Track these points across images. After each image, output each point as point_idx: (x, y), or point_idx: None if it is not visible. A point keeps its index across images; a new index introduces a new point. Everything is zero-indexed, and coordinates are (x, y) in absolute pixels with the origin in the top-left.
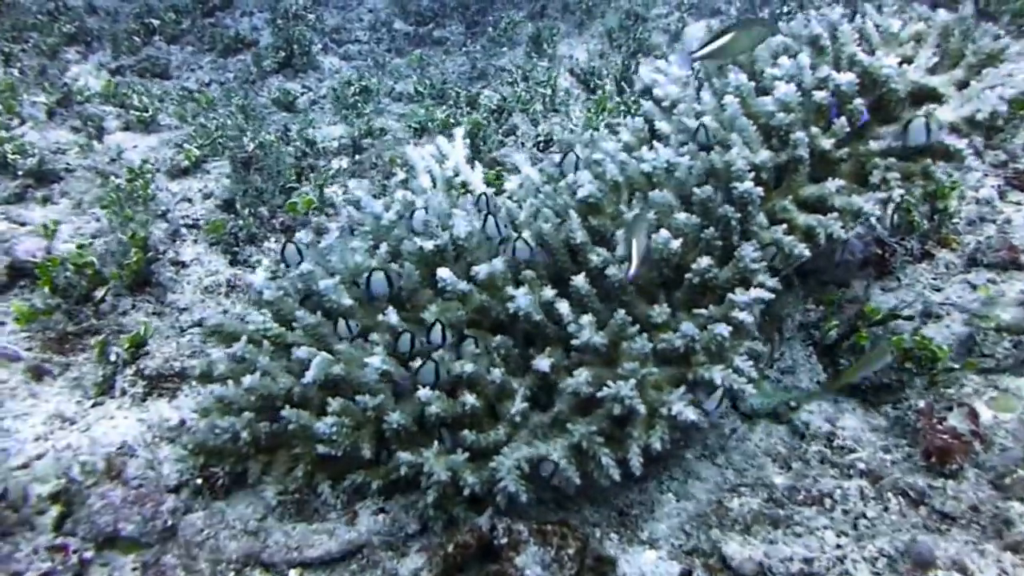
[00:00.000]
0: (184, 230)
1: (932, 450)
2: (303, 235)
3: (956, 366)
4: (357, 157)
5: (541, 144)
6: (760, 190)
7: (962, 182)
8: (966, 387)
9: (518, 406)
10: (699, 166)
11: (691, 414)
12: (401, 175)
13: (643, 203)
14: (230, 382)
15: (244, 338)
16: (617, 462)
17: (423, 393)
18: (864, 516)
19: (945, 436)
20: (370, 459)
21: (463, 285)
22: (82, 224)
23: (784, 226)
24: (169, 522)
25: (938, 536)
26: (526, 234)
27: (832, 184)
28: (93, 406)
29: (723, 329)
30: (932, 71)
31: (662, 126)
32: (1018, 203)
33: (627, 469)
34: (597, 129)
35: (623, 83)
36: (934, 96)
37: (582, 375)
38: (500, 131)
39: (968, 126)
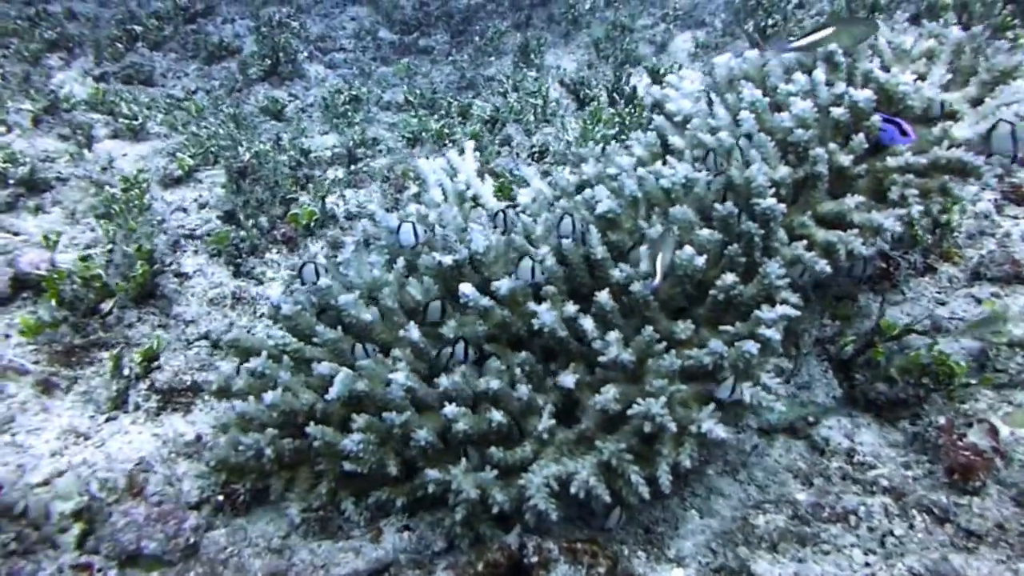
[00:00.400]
0: (183, 240)
1: (955, 467)
2: (318, 254)
3: (973, 381)
4: (353, 167)
5: (536, 155)
6: (783, 207)
7: (962, 196)
8: (980, 402)
9: (545, 423)
10: (718, 182)
11: (721, 432)
12: (414, 188)
13: (663, 218)
14: (251, 398)
15: (264, 353)
16: (646, 480)
17: (450, 410)
18: (891, 534)
19: (967, 453)
20: (395, 476)
21: (486, 301)
22: (76, 234)
23: (804, 242)
24: (192, 539)
25: (968, 555)
26: (544, 250)
27: (851, 200)
28: (107, 421)
29: (752, 346)
30: (945, 88)
31: (675, 141)
32: (1015, 217)
33: (656, 487)
34: (595, 141)
35: (615, 94)
36: (948, 113)
37: (610, 392)
38: (496, 141)
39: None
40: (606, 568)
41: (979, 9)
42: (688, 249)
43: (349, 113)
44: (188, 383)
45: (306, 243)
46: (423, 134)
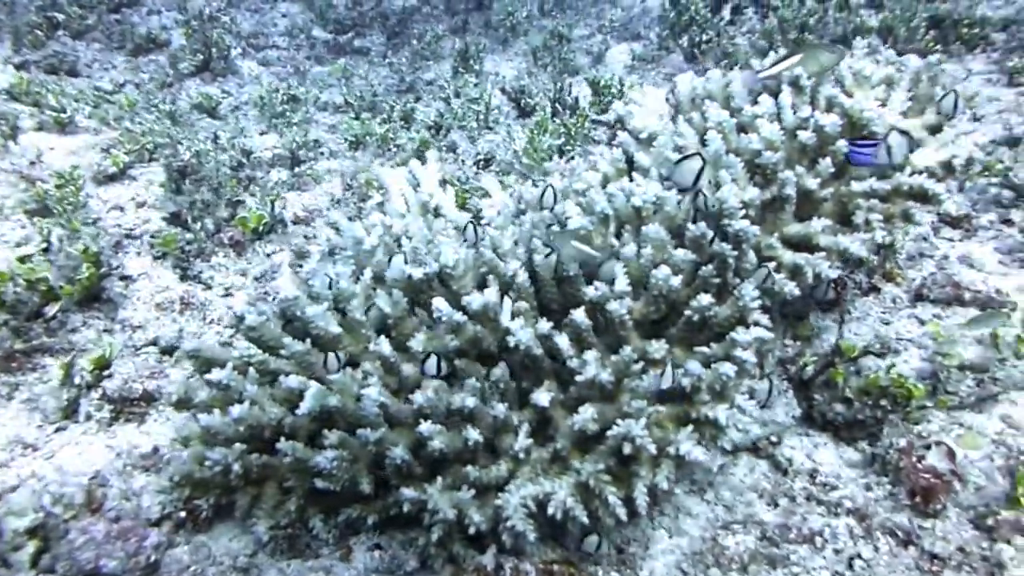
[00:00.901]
0: (125, 241)
1: (917, 490)
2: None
3: (928, 404)
4: (297, 170)
5: (481, 162)
6: (756, 229)
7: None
8: (932, 424)
9: (522, 442)
10: (687, 202)
11: (700, 454)
12: (377, 197)
13: (634, 236)
14: (216, 411)
15: (229, 365)
16: (622, 500)
17: (426, 427)
18: (859, 556)
19: (927, 476)
20: (367, 494)
21: (459, 316)
22: (7, 231)
23: (773, 264)
24: (153, 558)
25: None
26: (514, 265)
27: (818, 223)
28: (56, 431)
29: (729, 369)
30: (904, 115)
31: (641, 158)
32: (951, 239)
33: (632, 508)
34: (542, 152)
35: (558, 104)
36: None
37: (587, 412)
38: (441, 148)
39: (944, 170)
40: None
41: (903, 33)
42: (664, 269)
43: (287, 113)
44: (139, 392)
45: (255, 247)
46: (367, 138)
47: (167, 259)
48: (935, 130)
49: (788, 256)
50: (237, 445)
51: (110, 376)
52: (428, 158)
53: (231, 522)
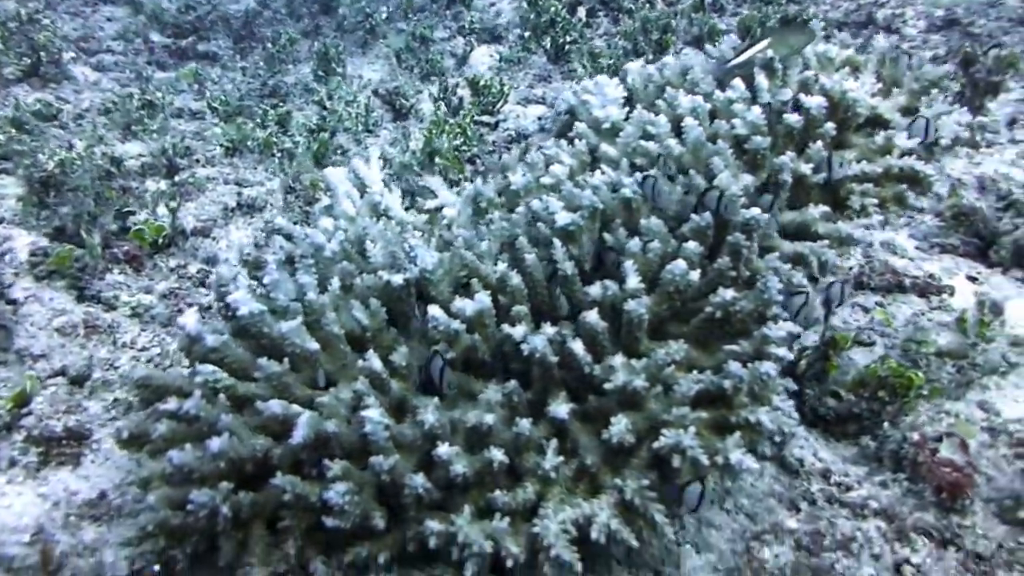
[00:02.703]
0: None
1: (944, 486)
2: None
3: (925, 392)
4: (176, 179)
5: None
6: (767, 216)
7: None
8: (921, 416)
9: (552, 460)
10: (678, 192)
11: (751, 462)
12: (326, 200)
13: (626, 230)
14: (187, 446)
15: (198, 393)
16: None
17: (444, 451)
18: (908, 562)
19: (948, 470)
20: (378, 529)
21: (456, 325)
22: None
23: (775, 254)
24: None
25: None
26: (501, 267)
27: (815, 210)
28: None
29: (770, 367)
30: (873, 96)
31: (607, 150)
32: (868, 227)
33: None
34: (440, 154)
35: (444, 103)
36: (879, 121)
37: (621, 423)
38: (336, 151)
39: (926, 151)
40: None
41: (759, 33)
42: (680, 263)
43: (145, 120)
44: (60, 430)
45: (156, 262)
46: (248, 143)
47: (56, 278)
48: (908, 112)
49: (787, 246)
50: (223, 484)
51: (29, 414)
52: (371, 156)
53: (212, 571)
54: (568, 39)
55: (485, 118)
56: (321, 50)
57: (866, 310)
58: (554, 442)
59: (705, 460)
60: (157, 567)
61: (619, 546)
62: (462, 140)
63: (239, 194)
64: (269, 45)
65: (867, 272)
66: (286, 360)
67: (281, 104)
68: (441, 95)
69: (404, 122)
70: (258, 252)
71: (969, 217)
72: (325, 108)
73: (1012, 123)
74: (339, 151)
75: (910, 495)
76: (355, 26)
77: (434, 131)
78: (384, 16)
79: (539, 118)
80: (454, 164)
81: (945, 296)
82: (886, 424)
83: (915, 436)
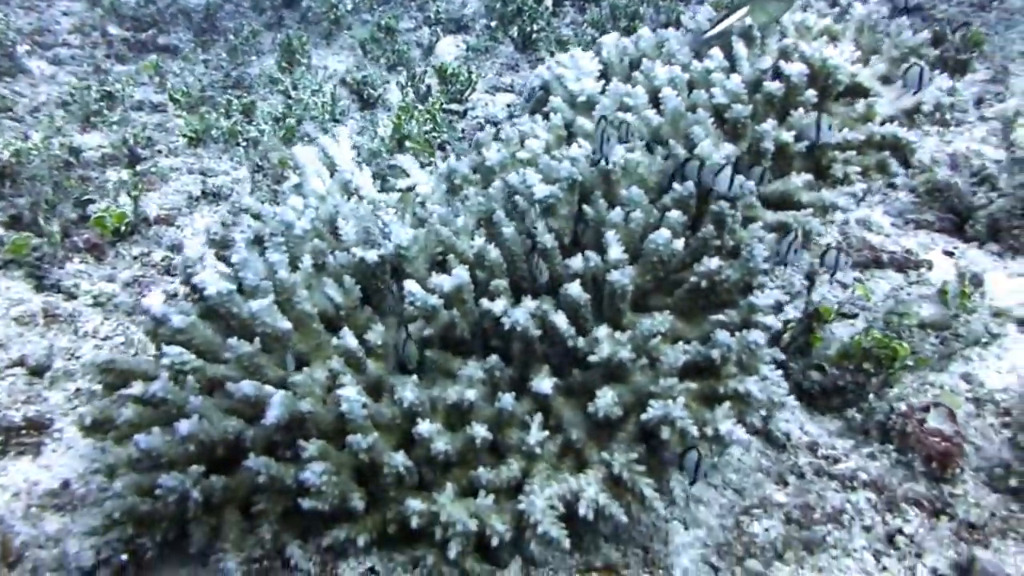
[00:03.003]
0: None
1: (934, 455)
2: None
3: (910, 363)
4: (139, 168)
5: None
6: (751, 184)
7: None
8: (905, 387)
9: (536, 435)
10: (659, 162)
11: (741, 434)
12: (294, 178)
13: (606, 201)
14: (155, 429)
15: (164, 375)
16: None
17: (424, 428)
18: (901, 532)
19: (937, 439)
20: (356, 511)
21: (434, 300)
22: None
23: (758, 224)
24: None
25: (981, 549)
26: (479, 241)
27: (798, 179)
28: None
29: (757, 336)
30: (852, 65)
31: (583, 123)
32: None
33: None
34: (410, 139)
35: (412, 91)
36: (859, 90)
37: (607, 396)
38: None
39: (907, 118)
40: None
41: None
42: (664, 232)
43: (105, 112)
44: (19, 420)
45: (118, 250)
46: (212, 132)
47: (13, 268)
48: (888, 80)
49: (770, 216)
50: (194, 468)
51: None
52: (340, 135)
53: (182, 560)
54: (535, 27)
55: (454, 106)
56: (285, 41)
57: (845, 286)
58: (538, 416)
59: (694, 431)
60: (124, 556)
61: (607, 522)
62: (431, 127)
63: (204, 182)
64: (232, 37)
65: (844, 248)
66: (257, 340)
67: (245, 95)
68: (409, 82)
69: (372, 111)
70: (225, 231)
71: (944, 192)
72: (290, 98)
73: (979, 102)
74: (306, 139)
75: (899, 466)
76: (319, 17)
77: (403, 117)
78: (349, 7)
79: (508, 105)
80: (424, 148)
81: (923, 270)
82: (871, 396)
83: (902, 406)
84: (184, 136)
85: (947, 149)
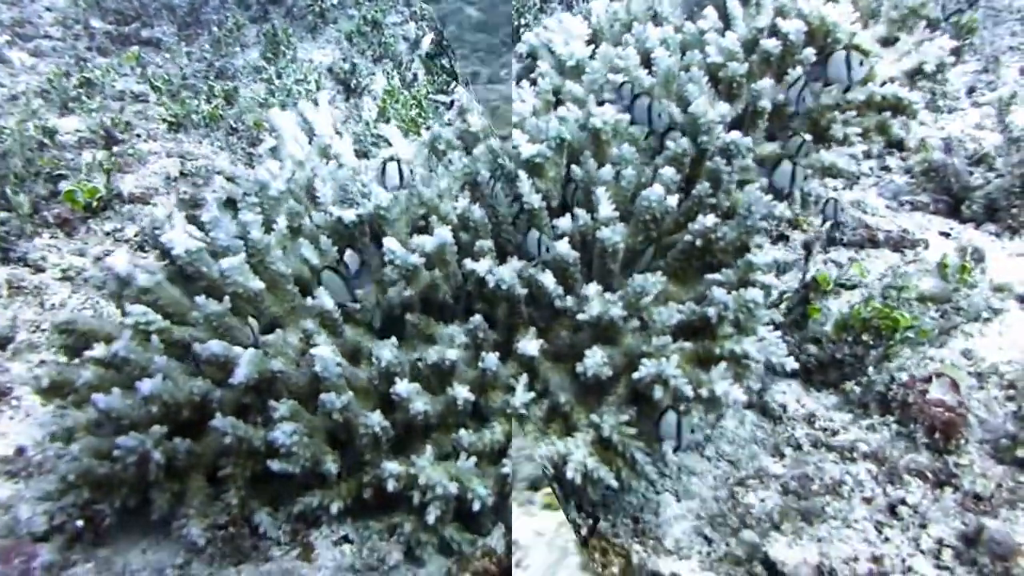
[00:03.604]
0: None
1: (937, 426)
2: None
3: (911, 335)
4: (116, 149)
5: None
6: (749, 140)
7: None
8: (904, 360)
9: (522, 396)
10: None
11: (739, 394)
12: (271, 141)
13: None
14: (115, 391)
15: (127, 334)
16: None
17: (403, 387)
18: (903, 503)
19: (940, 410)
20: (327, 475)
21: (415, 259)
22: None
23: (756, 185)
24: None
25: (990, 519)
26: (463, 202)
27: (795, 140)
28: None
29: (756, 294)
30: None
31: (572, 87)
32: (835, 188)
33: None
34: (398, 120)
35: (399, 78)
36: (858, 51)
37: (596, 355)
38: None
39: (908, 79)
40: (619, 568)
41: None
42: (657, 188)
43: (84, 98)
44: None
45: (89, 225)
46: (192, 116)
47: None
48: (887, 42)
49: (766, 180)
50: (156, 428)
51: None
52: (320, 100)
53: (143, 528)
54: (523, 22)
55: (440, 97)
56: (270, 32)
57: (840, 265)
58: (524, 377)
59: (689, 391)
60: (80, 522)
61: (596, 487)
62: (417, 111)
63: (183, 164)
64: (216, 29)
65: (839, 228)
66: (227, 300)
67: (228, 84)
68: (395, 69)
69: (358, 97)
70: (195, 191)
71: (939, 173)
72: (274, 85)
73: (971, 91)
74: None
75: (900, 437)
76: (305, 11)
77: (388, 101)
78: (335, 0)
79: None
80: (410, 127)
81: (920, 250)
82: (871, 369)
83: (904, 377)
84: (164, 121)
85: (940, 135)
